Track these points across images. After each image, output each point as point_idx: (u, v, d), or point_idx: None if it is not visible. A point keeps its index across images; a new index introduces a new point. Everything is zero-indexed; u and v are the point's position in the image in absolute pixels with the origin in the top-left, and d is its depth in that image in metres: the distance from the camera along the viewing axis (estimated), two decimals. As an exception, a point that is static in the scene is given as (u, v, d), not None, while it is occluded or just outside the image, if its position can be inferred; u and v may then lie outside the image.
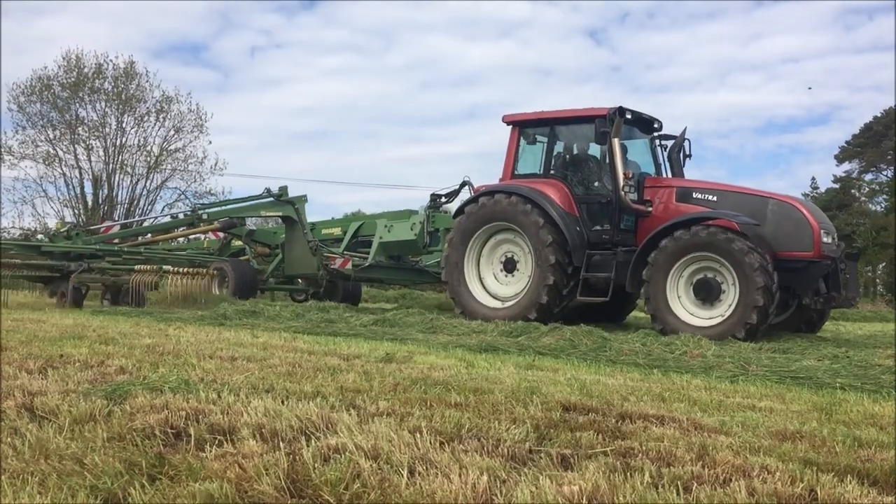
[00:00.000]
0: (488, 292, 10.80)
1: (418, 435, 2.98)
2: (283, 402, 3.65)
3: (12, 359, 5.09)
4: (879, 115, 45.82)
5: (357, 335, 8.49)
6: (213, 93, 71.97)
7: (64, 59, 33.99)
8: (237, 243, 16.49)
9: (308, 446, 2.78)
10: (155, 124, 35.39)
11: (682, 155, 11.12)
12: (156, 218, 16.29)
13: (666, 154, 11.12)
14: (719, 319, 9.02)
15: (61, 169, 34.47)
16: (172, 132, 35.62)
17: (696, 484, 2.55)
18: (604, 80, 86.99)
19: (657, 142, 11.25)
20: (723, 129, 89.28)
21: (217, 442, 2.90)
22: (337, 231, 15.48)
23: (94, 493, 2.43)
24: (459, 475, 2.50)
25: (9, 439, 2.95)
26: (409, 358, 6.07)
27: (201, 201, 15.53)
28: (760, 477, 2.65)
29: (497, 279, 10.88)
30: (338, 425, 3.11)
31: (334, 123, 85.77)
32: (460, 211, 11.16)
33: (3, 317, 9.11)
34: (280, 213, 14.77)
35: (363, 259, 14.01)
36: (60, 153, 34.46)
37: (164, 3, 61.70)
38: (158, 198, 36.24)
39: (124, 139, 34.97)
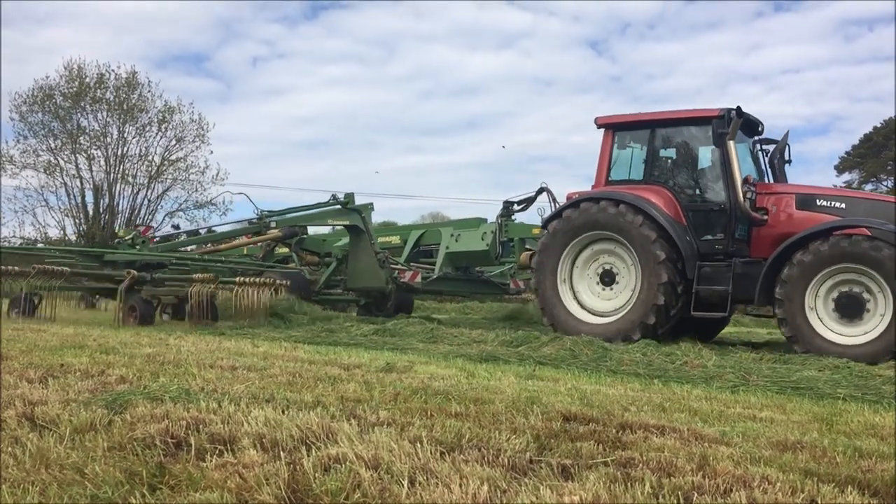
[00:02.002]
0: (582, 306, 9.94)
1: (419, 445, 2.98)
2: (283, 411, 3.65)
3: (13, 368, 5.08)
4: (879, 125, 45.88)
5: (357, 345, 8.48)
6: (215, 102, 72.29)
7: (66, 68, 34.10)
8: (281, 250, 15.44)
9: (308, 456, 2.78)
10: (156, 134, 35.48)
11: (782, 160, 10.28)
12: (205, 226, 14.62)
13: (767, 159, 10.32)
14: (868, 338, 8.25)
15: (62, 178, 34.52)
16: (174, 142, 35.71)
17: (696, 494, 2.55)
18: (604, 91, 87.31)
19: (758, 146, 10.43)
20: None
21: (217, 451, 2.90)
22: (395, 240, 14.48)
23: (95, 502, 2.43)
24: (460, 485, 2.50)
25: (10, 448, 2.95)
26: (409, 368, 6.07)
27: (268, 209, 13.85)
28: (761, 487, 2.65)
29: (592, 292, 9.97)
30: (338, 435, 3.11)
31: (335, 133, 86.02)
32: (556, 216, 10.15)
33: (3, 326, 9.11)
34: (347, 222, 13.68)
35: (429, 271, 13.31)
36: (62, 163, 34.51)
37: (167, 14, 61.97)
38: (159, 207, 36.30)
39: (126, 149, 35.05)
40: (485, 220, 13.75)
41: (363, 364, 6.20)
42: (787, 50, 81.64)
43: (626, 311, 9.52)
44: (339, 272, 14.60)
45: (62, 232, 34.87)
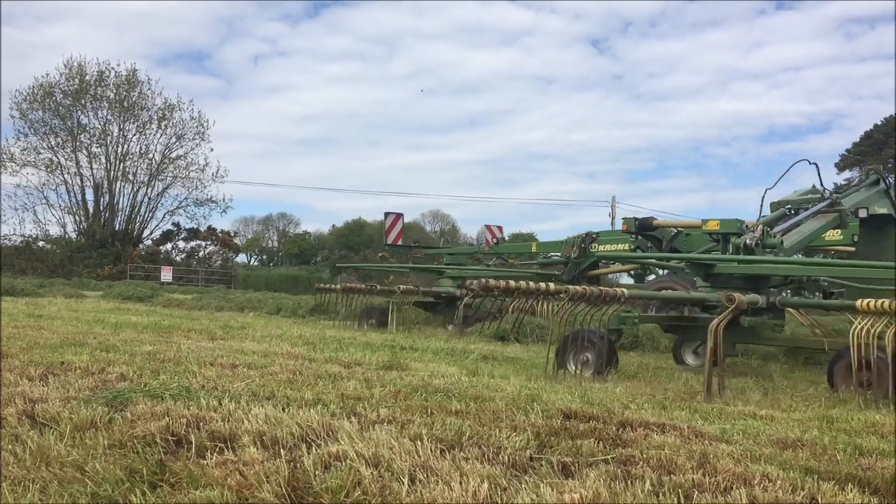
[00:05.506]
0: None
1: (419, 442, 2.98)
2: (283, 409, 3.65)
3: (13, 366, 5.08)
4: (880, 122, 45.91)
5: (357, 343, 8.47)
6: (216, 100, 72.39)
7: (66, 66, 34.12)
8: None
9: (309, 454, 2.77)
10: (157, 131, 35.50)
11: None
12: None
13: None
14: None
15: (63, 176, 34.54)
16: (174, 139, 35.75)
17: (696, 492, 2.55)
18: (605, 89, 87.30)
19: None
20: (724, 136, 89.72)
21: (218, 449, 2.90)
22: (836, 235, 9.92)
23: (95, 500, 2.43)
24: (460, 483, 2.49)
25: (10, 446, 2.95)
26: (409, 365, 6.07)
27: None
28: (761, 485, 2.65)
29: None
30: (338, 433, 3.11)
31: (337, 131, 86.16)
32: None
33: (3, 324, 9.11)
34: (884, 210, 8.96)
35: None
36: (62, 160, 34.55)
37: (169, 12, 61.96)
38: (160, 205, 36.30)
39: (126, 146, 35.07)
40: None
41: (363, 362, 6.20)
42: (788, 48, 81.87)
43: None
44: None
45: (62, 230, 34.86)
